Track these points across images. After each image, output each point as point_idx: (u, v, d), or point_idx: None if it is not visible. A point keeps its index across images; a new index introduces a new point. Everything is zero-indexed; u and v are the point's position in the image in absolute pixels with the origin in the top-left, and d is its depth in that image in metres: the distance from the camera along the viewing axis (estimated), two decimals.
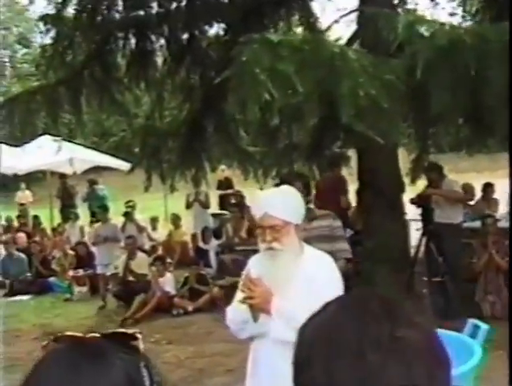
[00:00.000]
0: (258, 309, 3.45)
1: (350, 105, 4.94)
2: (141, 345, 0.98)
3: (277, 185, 4.59)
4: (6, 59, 40.43)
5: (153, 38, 10.05)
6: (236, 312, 3.61)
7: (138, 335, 0.96)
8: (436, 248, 8.23)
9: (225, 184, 17.03)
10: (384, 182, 8.37)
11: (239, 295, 3.54)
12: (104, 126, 19.13)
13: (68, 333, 0.90)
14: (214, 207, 16.08)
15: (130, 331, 0.98)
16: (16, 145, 15.72)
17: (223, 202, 16.31)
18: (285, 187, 3.74)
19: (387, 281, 7.77)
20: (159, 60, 10.53)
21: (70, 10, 9.37)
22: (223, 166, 16.47)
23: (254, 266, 3.60)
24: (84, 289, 12.50)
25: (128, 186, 17.99)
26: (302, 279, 3.45)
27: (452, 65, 5.39)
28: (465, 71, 5.37)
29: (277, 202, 3.51)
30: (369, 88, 4.95)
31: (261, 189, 11.30)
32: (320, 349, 0.85)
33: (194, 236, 13.76)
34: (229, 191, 16.36)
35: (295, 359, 0.90)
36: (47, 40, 9.84)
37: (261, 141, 11.71)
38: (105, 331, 0.98)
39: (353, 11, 7.58)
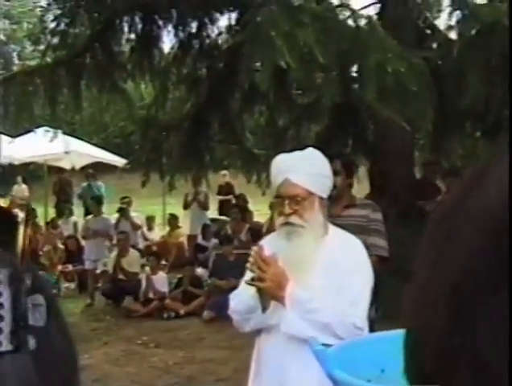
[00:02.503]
0: (269, 295, 2.81)
1: (376, 82, 4.36)
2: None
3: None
4: (15, 55, 40.20)
5: (160, 23, 9.56)
6: (241, 298, 2.95)
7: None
8: None
9: (225, 189, 16.60)
10: (398, 188, 7.89)
11: (247, 276, 2.91)
12: (102, 121, 18.70)
13: None
14: (214, 213, 15.59)
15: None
16: (12, 136, 15.26)
17: (223, 207, 15.84)
18: (311, 151, 3.03)
19: (398, 292, 7.22)
20: (166, 48, 10.03)
21: None
22: (224, 171, 16.08)
23: (268, 246, 2.93)
24: (73, 285, 11.93)
25: (126, 190, 17.62)
26: (323, 264, 2.84)
27: (488, 47, 4.84)
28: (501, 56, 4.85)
29: (301, 167, 2.89)
30: (398, 66, 4.36)
31: (263, 194, 10.86)
32: None
33: (190, 238, 13.17)
34: (230, 197, 15.91)
35: None
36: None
37: (267, 143, 11.32)
38: None
39: None
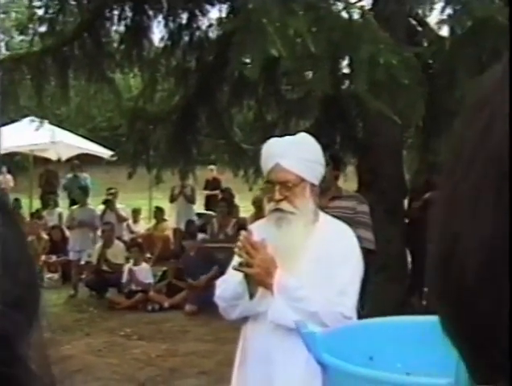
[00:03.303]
0: (257, 281, 2.76)
1: (367, 74, 4.31)
2: None
3: None
4: (2, 44, 39.93)
5: (150, 13, 9.46)
6: (228, 285, 2.89)
7: None
8: None
9: (212, 184, 16.58)
10: (386, 185, 7.85)
11: (235, 261, 2.85)
12: (90, 112, 18.56)
13: None
14: (200, 208, 15.55)
15: None
16: None
17: (209, 202, 15.80)
18: (303, 135, 2.99)
19: (382, 289, 7.21)
20: (155, 38, 9.93)
21: None
22: (212, 166, 16.05)
23: (257, 232, 2.88)
24: (56, 275, 11.81)
25: (113, 183, 17.53)
26: (313, 252, 2.79)
27: (481, 44, 4.81)
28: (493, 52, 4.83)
29: (292, 152, 2.83)
30: (390, 58, 4.32)
31: (250, 190, 10.82)
32: None
33: (176, 231, 13.11)
34: (217, 192, 15.87)
35: None
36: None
37: (255, 138, 11.27)
38: None
39: None
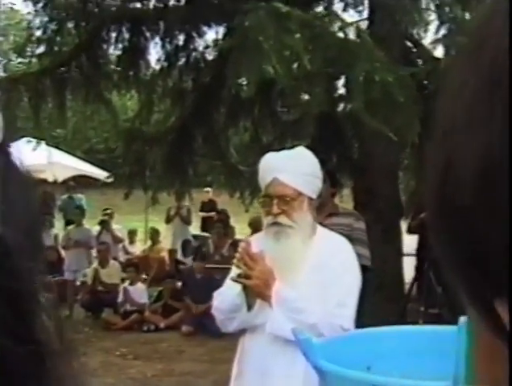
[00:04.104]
0: (255, 293, 2.77)
1: (363, 92, 4.35)
2: None
3: None
4: (0, 67, 40.08)
5: (147, 34, 9.53)
6: (226, 296, 2.89)
7: None
8: (436, 277, 7.60)
9: (208, 206, 16.57)
10: (382, 205, 7.87)
11: (233, 273, 2.87)
12: (86, 132, 18.65)
13: None
14: (196, 229, 15.54)
15: None
16: None
17: (205, 224, 15.79)
18: (301, 150, 3.01)
19: (379, 309, 7.20)
20: (152, 59, 10.00)
21: None
22: (208, 188, 16.07)
23: (255, 244, 2.90)
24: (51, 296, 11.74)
25: (109, 205, 17.53)
26: (311, 265, 2.81)
27: None
28: None
29: (290, 166, 2.85)
30: (386, 76, 4.36)
31: (246, 211, 10.82)
32: None
33: (171, 252, 13.08)
34: (213, 214, 15.86)
35: None
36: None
37: (251, 159, 11.29)
38: None
39: None
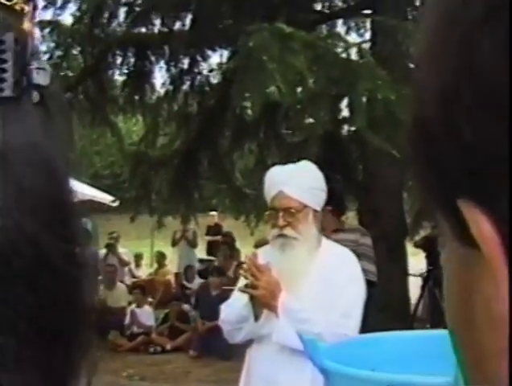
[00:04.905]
0: (262, 303, 2.82)
1: (366, 110, 4.41)
2: None
3: None
4: None
5: (153, 58, 9.65)
6: (232, 308, 2.95)
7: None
8: (442, 295, 7.63)
9: (214, 230, 16.53)
10: (387, 225, 7.92)
11: (240, 284, 2.94)
12: (92, 157, 18.73)
13: None
14: (202, 253, 15.54)
15: None
16: None
17: (211, 248, 15.77)
18: (305, 163, 3.07)
19: (385, 329, 7.20)
20: (157, 83, 10.11)
21: (68, 19, 8.96)
22: (213, 212, 16.09)
23: (262, 256, 2.97)
24: None
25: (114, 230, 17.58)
26: (317, 276, 2.86)
27: None
28: None
29: (295, 180, 2.91)
30: (388, 94, 4.43)
31: (252, 235, 10.85)
32: None
33: (177, 275, 13.10)
34: (218, 238, 15.85)
35: None
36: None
37: (256, 182, 11.31)
38: None
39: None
